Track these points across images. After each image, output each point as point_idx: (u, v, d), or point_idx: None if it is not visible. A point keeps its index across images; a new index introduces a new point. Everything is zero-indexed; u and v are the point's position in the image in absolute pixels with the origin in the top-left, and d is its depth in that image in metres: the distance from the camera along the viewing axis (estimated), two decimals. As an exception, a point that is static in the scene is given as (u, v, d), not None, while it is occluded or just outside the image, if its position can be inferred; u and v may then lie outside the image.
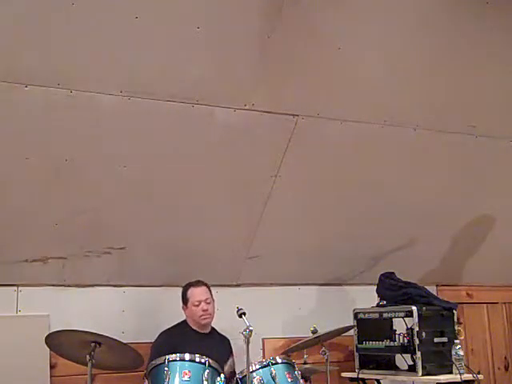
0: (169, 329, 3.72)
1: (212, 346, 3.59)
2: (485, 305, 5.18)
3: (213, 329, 3.82)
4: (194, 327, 3.73)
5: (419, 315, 3.79)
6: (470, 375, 3.73)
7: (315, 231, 4.23)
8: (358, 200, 4.17)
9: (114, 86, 3.23)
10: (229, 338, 3.87)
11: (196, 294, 3.71)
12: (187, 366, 3.14)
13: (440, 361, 3.77)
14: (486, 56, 3.80)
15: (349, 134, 3.84)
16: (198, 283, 3.75)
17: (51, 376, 3.65)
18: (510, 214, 4.70)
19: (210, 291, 3.77)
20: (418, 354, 3.73)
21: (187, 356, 3.17)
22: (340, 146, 3.89)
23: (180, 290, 3.78)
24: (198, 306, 3.68)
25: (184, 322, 3.76)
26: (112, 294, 3.93)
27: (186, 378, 3.10)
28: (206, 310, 3.68)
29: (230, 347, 3.86)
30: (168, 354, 3.17)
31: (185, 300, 3.73)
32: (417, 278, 4.21)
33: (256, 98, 3.53)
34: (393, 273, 4.22)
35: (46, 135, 3.27)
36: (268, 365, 3.32)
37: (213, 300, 3.76)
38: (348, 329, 3.95)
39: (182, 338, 3.61)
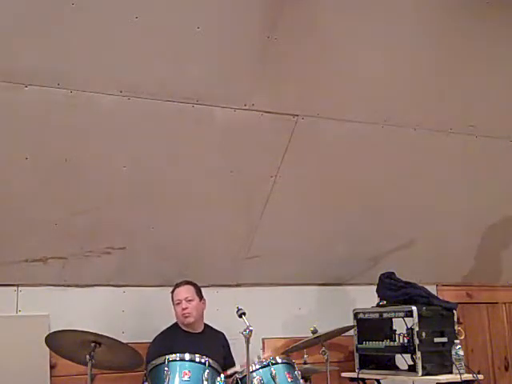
0: (161, 333, 3.73)
1: (204, 345, 3.58)
2: (485, 305, 5.18)
3: (206, 326, 3.83)
4: (184, 328, 3.74)
5: (419, 315, 3.78)
6: (470, 375, 3.73)
7: (315, 231, 4.23)
8: (357, 200, 4.17)
9: (114, 86, 3.23)
10: (223, 332, 3.87)
11: (177, 294, 3.73)
12: (187, 366, 3.14)
13: (440, 361, 3.77)
14: (486, 56, 3.80)
15: (349, 134, 3.84)
16: (182, 282, 3.77)
17: (51, 376, 3.65)
18: (509, 213, 4.71)
19: (197, 290, 3.77)
20: (418, 353, 3.73)
21: (187, 356, 3.17)
22: (340, 146, 3.89)
23: (180, 289, 3.80)
24: (178, 304, 3.71)
25: (175, 323, 3.78)
26: (112, 294, 3.93)
27: (186, 378, 3.10)
28: (186, 309, 3.68)
29: (226, 341, 3.87)
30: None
31: (172, 300, 3.76)
32: (417, 278, 4.20)
33: (256, 98, 3.53)
34: (393, 273, 4.22)
35: (46, 135, 3.27)
36: (268, 365, 3.31)
37: (200, 299, 3.76)
38: (348, 329, 3.94)
39: (172, 340, 3.62)
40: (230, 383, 3.33)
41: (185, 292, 3.72)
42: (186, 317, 3.69)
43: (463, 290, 5.07)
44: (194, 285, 3.78)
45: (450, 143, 4.13)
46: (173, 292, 3.77)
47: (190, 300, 3.70)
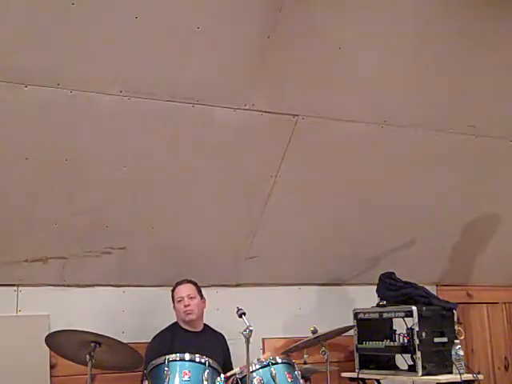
0: (161, 332, 3.74)
1: (204, 344, 3.60)
2: (485, 305, 5.18)
3: (206, 326, 3.83)
4: (185, 326, 3.74)
5: (419, 315, 3.78)
6: (470, 375, 3.73)
7: (315, 231, 4.23)
8: (357, 200, 4.17)
9: (113, 86, 3.23)
10: (223, 334, 3.88)
11: (179, 290, 3.75)
12: (187, 366, 3.14)
13: (440, 361, 3.77)
14: (486, 56, 3.79)
15: (349, 134, 3.84)
16: (183, 281, 3.79)
17: (51, 376, 3.66)
18: (510, 213, 4.71)
19: (198, 289, 3.79)
20: (418, 353, 3.73)
21: (187, 356, 3.18)
22: (340, 146, 3.89)
23: (180, 290, 3.80)
24: (180, 302, 3.72)
25: (175, 323, 3.79)
26: (112, 294, 3.94)
27: (186, 378, 3.11)
28: (188, 306, 3.69)
29: (226, 343, 3.87)
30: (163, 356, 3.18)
31: (172, 299, 3.78)
32: (417, 278, 4.21)
33: (256, 98, 3.53)
34: (393, 273, 4.22)
35: (46, 135, 3.28)
36: (268, 365, 3.31)
37: (201, 297, 3.78)
38: (348, 329, 3.94)
39: (173, 339, 3.63)
40: (229, 383, 3.34)
41: (186, 289, 3.74)
42: (189, 313, 3.69)
43: (463, 290, 5.07)
44: (195, 284, 3.80)
45: (450, 143, 4.13)
46: (173, 290, 3.77)
47: (191, 297, 3.72)
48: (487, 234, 4.80)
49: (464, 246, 4.77)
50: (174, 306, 3.77)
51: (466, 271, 4.97)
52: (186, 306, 3.69)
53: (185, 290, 3.74)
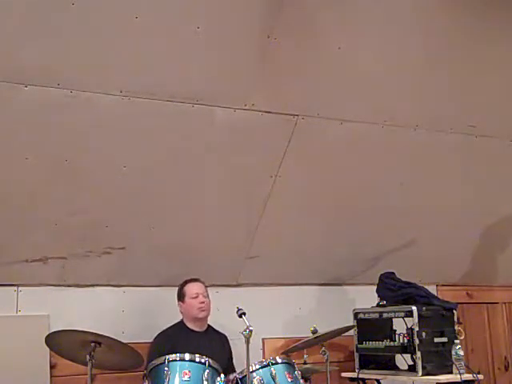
0: (165, 330, 3.73)
1: (209, 344, 3.61)
2: (485, 305, 5.19)
3: (209, 326, 3.83)
4: (191, 326, 3.74)
5: (419, 315, 3.79)
6: (470, 375, 3.73)
7: (315, 231, 4.23)
8: (357, 200, 4.17)
9: (113, 86, 3.23)
10: (226, 335, 3.88)
11: (193, 287, 3.75)
12: (187, 366, 3.14)
13: (440, 361, 3.77)
14: (486, 56, 3.80)
15: (349, 134, 3.84)
16: (195, 279, 3.79)
17: (51, 376, 3.65)
18: (509, 213, 4.71)
19: (206, 289, 3.79)
20: (418, 354, 3.73)
21: (187, 356, 3.18)
22: (340, 146, 3.89)
23: (180, 289, 3.80)
24: (195, 298, 3.71)
25: (180, 322, 3.78)
26: (112, 294, 3.93)
27: (186, 378, 3.11)
28: (203, 303, 3.70)
29: (228, 344, 3.87)
30: (165, 355, 3.18)
31: (181, 296, 3.75)
32: (417, 278, 4.21)
33: (256, 98, 3.53)
34: (393, 273, 4.22)
35: (46, 135, 3.27)
36: (268, 365, 3.32)
37: (208, 298, 3.78)
38: (348, 329, 3.94)
39: (178, 337, 3.62)
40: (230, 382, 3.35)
41: (201, 288, 3.76)
42: (203, 310, 3.70)
43: (463, 290, 5.07)
44: (204, 283, 3.81)
45: (450, 143, 4.13)
46: (184, 286, 3.76)
47: (205, 296, 3.74)
48: (487, 234, 4.81)
49: (464, 246, 4.77)
50: (181, 303, 3.74)
51: (466, 271, 4.97)
52: (201, 303, 3.69)
53: (199, 287, 3.75)
